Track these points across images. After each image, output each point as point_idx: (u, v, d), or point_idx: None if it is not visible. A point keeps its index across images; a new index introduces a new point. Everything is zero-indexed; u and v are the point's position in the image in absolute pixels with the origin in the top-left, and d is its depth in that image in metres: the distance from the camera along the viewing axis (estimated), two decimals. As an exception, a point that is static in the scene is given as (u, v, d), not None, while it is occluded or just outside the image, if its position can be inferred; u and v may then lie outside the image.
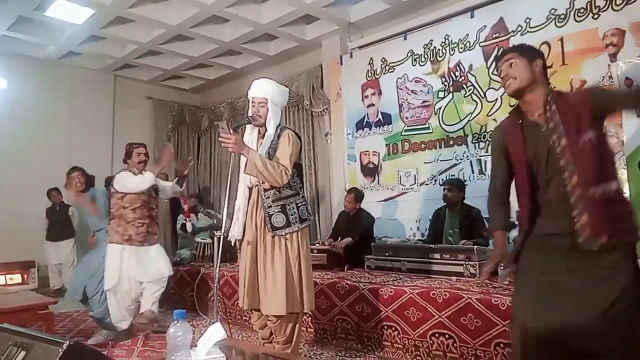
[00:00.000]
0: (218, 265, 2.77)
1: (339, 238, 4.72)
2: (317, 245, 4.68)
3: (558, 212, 1.77)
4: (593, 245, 1.66)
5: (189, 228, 5.46)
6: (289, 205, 2.75)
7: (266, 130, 2.77)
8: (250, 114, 2.81)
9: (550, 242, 1.80)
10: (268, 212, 2.72)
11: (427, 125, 5.31)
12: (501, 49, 2.03)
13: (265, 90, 2.78)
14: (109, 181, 5.08)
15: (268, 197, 2.73)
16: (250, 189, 2.85)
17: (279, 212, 2.72)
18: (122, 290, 3.79)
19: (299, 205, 2.79)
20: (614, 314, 1.63)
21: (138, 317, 3.91)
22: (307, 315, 3.65)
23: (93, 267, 3.94)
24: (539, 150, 1.83)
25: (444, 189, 4.31)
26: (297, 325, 2.80)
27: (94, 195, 4.30)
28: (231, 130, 2.64)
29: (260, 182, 2.72)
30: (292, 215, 2.74)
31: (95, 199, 4.33)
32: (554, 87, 1.94)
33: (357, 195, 4.98)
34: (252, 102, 2.81)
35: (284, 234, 2.71)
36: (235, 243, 2.89)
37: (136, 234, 3.82)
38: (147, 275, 3.86)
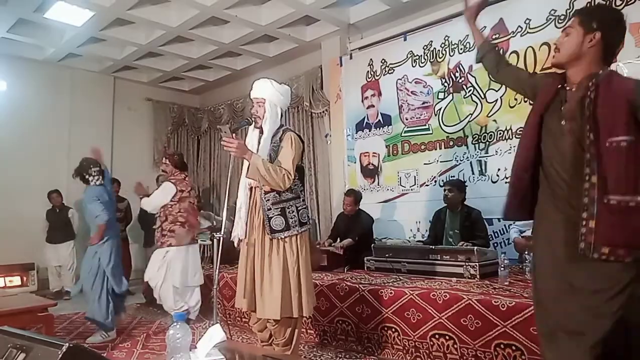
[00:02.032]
0: (218, 267, 2.77)
1: (338, 239, 4.72)
2: (317, 246, 4.68)
3: (558, 195, 1.70)
4: (592, 254, 1.56)
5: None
6: (288, 208, 2.73)
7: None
8: (251, 114, 2.81)
9: (555, 232, 1.71)
10: (267, 215, 2.70)
11: (427, 126, 5.31)
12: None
13: (263, 90, 2.78)
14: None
15: (268, 200, 2.72)
16: (251, 190, 2.84)
17: (278, 215, 2.70)
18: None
19: (299, 208, 2.77)
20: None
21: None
22: (307, 317, 3.64)
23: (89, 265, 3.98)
24: (552, 121, 1.73)
25: (444, 190, 4.31)
26: (297, 329, 2.79)
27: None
28: (234, 135, 2.64)
29: (261, 184, 2.71)
30: (291, 218, 2.72)
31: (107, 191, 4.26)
32: (602, 69, 1.70)
33: (356, 197, 4.97)
34: (252, 102, 2.81)
35: (282, 237, 2.69)
36: (237, 243, 2.88)
37: (196, 234, 4.36)
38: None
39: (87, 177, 4.03)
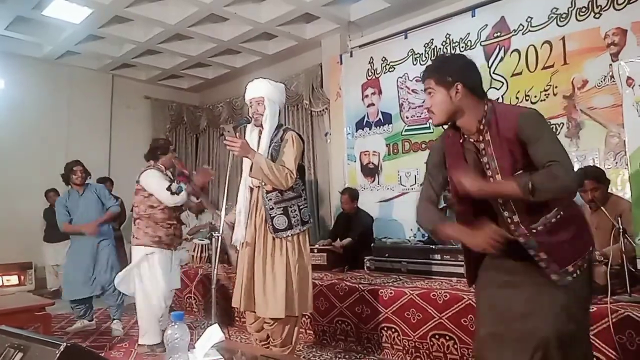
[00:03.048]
0: (216, 267, 2.75)
1: (338, 239, 4.70)
2: (317, 245, 4.66)
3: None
4: (566, 280, 1.58)
5: (173, 187, 4.89)
6: (291, 207, 2.74)
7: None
8: (250, 114, 2.80)
9: (495, 261, 1.73)
10: (270, 214, 2.69)
11: (427, 125, 5.29)
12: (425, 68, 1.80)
13: (260, 89, 2.78)
14: (103, 182, 5.07)
15: (270, 199, 2.71)
16: (252, 190, 2.82)
17: (281, 214, 2.70)
18: (155, 298, 3.51)
19: (300, 207, 2.77)
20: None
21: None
22: (306, 317, 3.63)
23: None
24: (475, 171, 1.70)
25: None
26: (296, 328, 2.78)
27: (97, 191, 4.28)
28: (237, 134, 2.63)
29: (263, 183, 2.70)
30: (294, 217, 2.72)
31: (100, 195, 4.33)
32: (485, 107, 1.69)
33: (351, 194, 4.97)
34: (250, 103, 2.80)
35: (285, 236, 2.69)
36: (239, 246, 2.86)
37: (165, 235, 3.55)
38: (172, 284, 3.65)
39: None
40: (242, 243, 2.80)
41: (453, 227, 1.78)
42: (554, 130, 4.32)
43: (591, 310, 2.49)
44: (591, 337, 2.46)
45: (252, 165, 2.61)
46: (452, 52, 5.08)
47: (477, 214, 1.70)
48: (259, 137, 2.81)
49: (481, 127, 1.67)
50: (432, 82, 1.71)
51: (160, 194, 3.50)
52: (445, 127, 1.83)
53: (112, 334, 4.13)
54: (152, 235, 3.51)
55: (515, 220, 1.62)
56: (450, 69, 1.71)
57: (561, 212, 1.62)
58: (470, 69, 1.74)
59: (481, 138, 1.68)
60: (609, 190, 3.29)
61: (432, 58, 5.26)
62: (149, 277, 3.50)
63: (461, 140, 1.76)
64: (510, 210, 1.63)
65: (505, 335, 1.65)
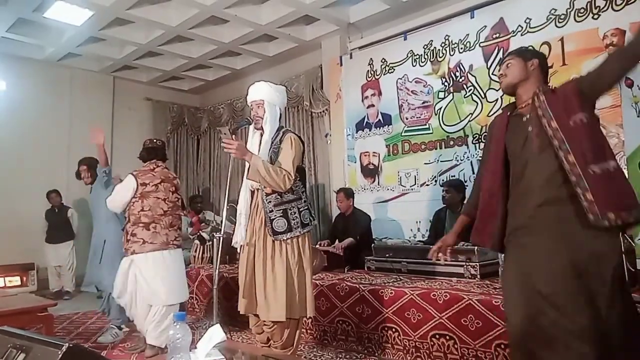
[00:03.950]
0: (218, 267, 2.76)
1: (337, 240, 4.71)
2: (317, 246, 4.67)
3: (525, 203, 1.84)
4: (603, 223, 1.66)
5: (206, 237, 5.24)
6: (290, 209, 2.73)
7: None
8: (251, 117, 2.81)
9: (521, 238, 1.86)
10: (269, 217, 2.69)
11: (427, 126, 5.30)
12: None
13: (260, 92, 2.79)
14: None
15: (270, 202, 2.71)
16: (253, 192, 2.83)
17: (280, 216, 2.69)
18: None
19: (300, 209, 2.76)
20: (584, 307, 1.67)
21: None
22: (307, 318, 3.63)
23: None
24: (515, 137, 1.92)
25: (443, 191, 4.31)
26: (298, 330, 2.78)
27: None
28: (234, 136, 2.64)
29: (262, 186, 2.71)
30: (293, 220, 2.71)
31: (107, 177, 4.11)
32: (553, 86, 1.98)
33: (346, 193, 4.98)
34: (251, 106, 2.82)
35: (284, 238, 2.68)
36: (240, 248, 2.87)
37: (174, 237, 3.45)
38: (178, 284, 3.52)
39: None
40: (242, 245, 2.81)
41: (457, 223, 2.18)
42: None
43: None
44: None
45: (249, 167, 2.62)
46: (451, 53, 5.10)
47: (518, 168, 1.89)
48: (260, 140, 2.83)
49: (537, 91, 1.89)
50: (513, 55, 2.02)
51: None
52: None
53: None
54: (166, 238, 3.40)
55: (570, 161, 1.72)
56: (530, 50, 2.11)
57: (618, 168, 1.75)
58: (544, 57, 2.07)
59: (532, 101, 1.89)
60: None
61: (431, 59, 5.28)
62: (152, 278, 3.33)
63: (509, 113, 2.01)
64: (565, 150, 1.74)
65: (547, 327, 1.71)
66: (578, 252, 1.71)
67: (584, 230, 1.71)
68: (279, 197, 2.71)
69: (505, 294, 1.99)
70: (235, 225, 2.89)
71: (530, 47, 2.17)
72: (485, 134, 4.78)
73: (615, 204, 1.68)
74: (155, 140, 3.75)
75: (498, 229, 1.96)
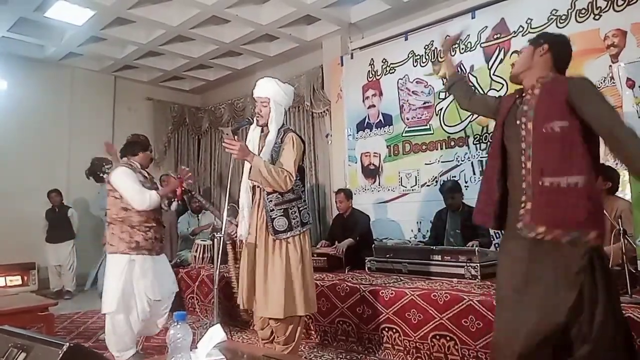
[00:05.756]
0: (218, 267, 2.77)
1: (335, 241, 4.70)
2: (318, 246, 4.67)
3: (517, 200, 1.82)
4: (528, 234, 1.67)
5: (173, 207, 4.79)
6: (291, 209, 2.74)
7: (269, 130, 2.76)
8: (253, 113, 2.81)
9: (514, 238, 1.82)
10: (270, 216, 2.70)
11: (428, 127, 5.30)
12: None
13: (267, 90, 2.77)
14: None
15: (271, 201, 2.72)
16: (254, 188, 2.83)
17: (281, 215, 2.70)
18: (136, 310, 3.22)
19: (300, 209, 2.78)
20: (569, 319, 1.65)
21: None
22: (308, 317, 3.63)
23: None
24: (510, 127, 1.89)
25: (447, 198, 4.29)
26: (299, 328, 2.79)
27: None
28: (236, 137, 2.63)
29: (263, 186, 2.71)
30: (294, 219, 2.72)
31: None
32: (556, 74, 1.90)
33: (346, 193, 5.00)
34: (255, 101, 2.80)
35: (285, 237, 2.69)
36: (241, 244, 2.87)
37: (144, 240, 3.23)
38: (162, 291, 3.34)
39: (101, 175, 3.97)
40: (245, 240, 2.81)
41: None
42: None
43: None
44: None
45: (250, 167, 2.62)
46: (452, 53, 5.09)
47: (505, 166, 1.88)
48: (261, 136, 2.83)
49: (535, 82, 1.85)
50: (529, 43, 1.96)
51: (128, 194, 3.18)
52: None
53: None
54: (129, 241, 3.19)
55: (527, 167, 1.73)
56: (548, 35, 1.98)
57: (580, 185, 1.65)
58: (563, 42, 1.95)
59: (532, 92, 1.85)
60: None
61: (432, 59, 5.28)
62: (130, 286, 3.18)
63: (514, 100, 1.95)
64: (527, 157, 1.74)
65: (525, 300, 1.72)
66: (539, 261, 1.72)
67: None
68: (279, 196, 2.72)
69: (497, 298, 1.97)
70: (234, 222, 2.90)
71: (548, 33, 2.06)
72: (487, 134, 4.79)
73: (552, 220, 1.65)
74: (130, 137, 3.55)
75: (497, 210, 1.92)
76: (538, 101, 1.79)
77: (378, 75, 5.81)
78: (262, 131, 2.83)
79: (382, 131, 5.73)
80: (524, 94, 1.93)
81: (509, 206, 1.89)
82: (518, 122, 1.85)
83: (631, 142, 1.61)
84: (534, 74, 1.89)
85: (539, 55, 1.89)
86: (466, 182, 4.72)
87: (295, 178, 2.69)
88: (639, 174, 1.65)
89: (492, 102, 2.17)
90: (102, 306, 3.20)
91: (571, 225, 1.65)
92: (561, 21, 4.32)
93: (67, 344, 1.30)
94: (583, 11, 4.19)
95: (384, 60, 5.74)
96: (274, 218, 2.69)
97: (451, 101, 5.12)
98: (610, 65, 3.89)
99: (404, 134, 5.52)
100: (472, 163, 4.89)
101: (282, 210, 2.71)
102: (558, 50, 1.91)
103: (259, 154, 2.70)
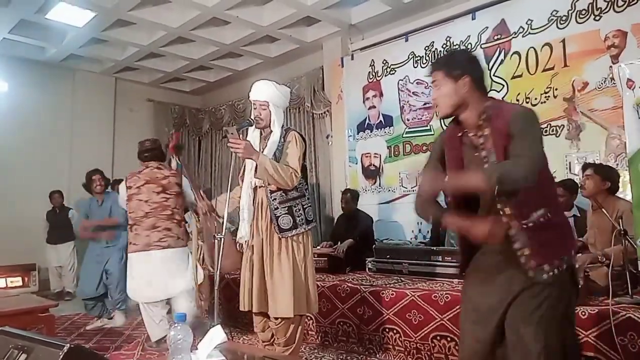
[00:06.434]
0: (219, 268, 2.76)
1: (338, 241, 4.70)
2: (318, 248, 4.67)
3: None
4: (542, 277, 1.61)
5: (172, 165, 4.32)
6: (295, 207, 2.74)
7: (271, 131, 2.76)
8: (252, 116, 2.81)
9: (479, 260, 1.80)
10: (275, 214, 2.70)
11: (428, 127, 5.31)
12: (432, 62, 1.85)
13: (266, 93, 2.77)
14: (113, 185, 5.07)
15: (275, 199, 2.72)
16: (255, 190, 2.83)
17: (285, 213, 2.71)
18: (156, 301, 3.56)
19: (304, 206, 2.79)
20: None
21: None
22: (309, 318, 3.64)
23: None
24: (472, 166, 1.74)
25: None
26: (300, 327, 2.79)
27: (114, 200, 4.28)
28: (241, 136, 2.64)
29: (267, 183, 2.71)
30: (298, 216, 2.73)
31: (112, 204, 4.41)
32: (486, 103, 1.73)
33: (353, 195, 5.04)
34: (254, 104, 2.81)
35: (290, 235, 2.70)
36: (241, 246, 2.87)
37: (159, 238, 3.48)
38: (179, 285, 3.61)
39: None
40: (246, 242, 2.81)
41: (455, 216, 1.78)
42: (554, 131, 4.33)
43: (593, 312, 2.52)
44: (592, 339, 2.49)
45: (256, 166, 2.62)
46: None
47: (469, 208, 1.75)
48: (261, 138, 2.83)
49: (481, 122, 1.70)
50: (440, 74, 1.74)
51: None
52: (448, 122, 1.87)
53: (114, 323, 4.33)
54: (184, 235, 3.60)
55: (507, 213, 1.64)
56: (459, 62, 1.74)
57: (548, 214, 1.65)
58: (476, 62, 1.78)
59: (480, 133, 1.71)
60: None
61: (433, 61, 5.27)
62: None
63: (460, 135, 1.79)
64: (502, 203, 1.64)
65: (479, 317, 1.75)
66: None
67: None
68: (283, 194, 2.73)
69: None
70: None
71: (456, 58, 1.82)
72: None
73: (549, 255, 1.64)
74: (145, 142, 3.84)
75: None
76: (493, 144, 1.66)
77: (378, 76, 5.81)
78: (261, 133, 2.83)
79: (382, 132, 5.73)
80: (467, 131, 1.76)
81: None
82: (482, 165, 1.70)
83: (509, 165, 1.59)
84: (470, 110, 1.72)
85: (464, 90, 1.70)
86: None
87: (300, 175, 2.70)
88: (487, 188, 1.59)
89: (435, 161, 1.94)
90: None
91: (564, 251, 1.69)
92: (561, 22, 4.32)
93: (68, 345, 1.30)
94: (583, 12, 4.19)
95: (384, 61, 5.75)
96: (279, 216, 2.70)
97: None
98: (611, 66, 3.89)
99: (404, 135, 5.53)
100: (472, 164, 4.88)
101: (286, 208, 2.72)
102: (476, 75, 1.73)
103: None
